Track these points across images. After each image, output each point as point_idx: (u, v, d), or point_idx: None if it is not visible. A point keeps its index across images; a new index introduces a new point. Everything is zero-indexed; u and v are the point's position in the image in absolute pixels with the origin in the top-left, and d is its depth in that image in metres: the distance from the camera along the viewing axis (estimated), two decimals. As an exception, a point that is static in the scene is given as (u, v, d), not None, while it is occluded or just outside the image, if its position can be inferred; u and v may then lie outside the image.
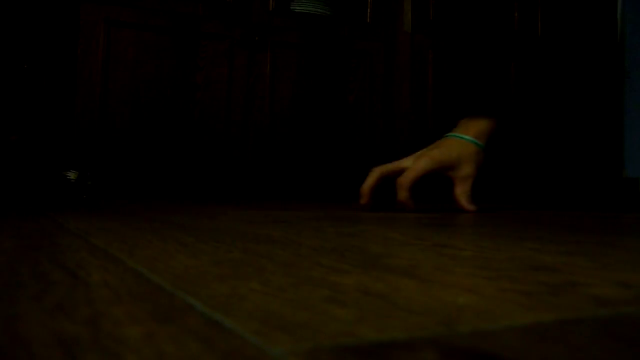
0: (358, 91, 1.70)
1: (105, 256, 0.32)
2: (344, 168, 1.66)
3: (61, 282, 0.24)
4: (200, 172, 1.50)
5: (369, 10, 1.74)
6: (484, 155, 0.90)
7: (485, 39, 1.79)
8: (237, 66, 1.55)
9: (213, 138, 1.52)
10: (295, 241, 0.41)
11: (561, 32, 1.89)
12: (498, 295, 0.22)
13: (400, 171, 0.87)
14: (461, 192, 0.87)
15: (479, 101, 0.94)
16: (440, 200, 0.89)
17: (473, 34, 1.78)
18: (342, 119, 1.68)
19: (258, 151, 1.57)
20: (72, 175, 1.32)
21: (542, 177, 1.80)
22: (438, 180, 0.89)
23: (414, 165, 0.86)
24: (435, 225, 0.61)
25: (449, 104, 1.76)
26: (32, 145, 1.39)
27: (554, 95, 1.86)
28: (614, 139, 1.96)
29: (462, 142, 0.89)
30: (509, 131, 0.98)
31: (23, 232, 0.46)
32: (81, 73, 1.40)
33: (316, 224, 0.59)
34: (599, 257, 0.35)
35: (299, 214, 0.76)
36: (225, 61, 1.54)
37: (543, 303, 0.21)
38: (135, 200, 1.18)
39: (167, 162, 1.47)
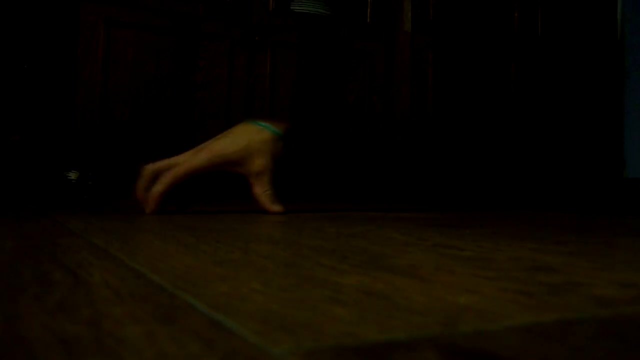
0: (358, 91, 1.70)
1: (106, 256, 0.32)
2: (344, 168, 1.66)
3: (62, 282, 0.24)
4: (200, 172, 1.50)
5: (369, 10, 1.74)
6: (282, 146, 0.77)
7: (485, 39, 1.79)
8: (237, 66, 1.55)
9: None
10: (296, 241, 0.41)
11: (561, 32, 1.89)
12: (499, 296, 0.22)
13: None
14: (261, 192, 0.76)
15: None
16: (242, 198, 0.75)
17: (473, 34, 1.78)
18: (342, 119, 1.68)
19: (258, 151, 1.57)
20: (73, 175, 1.32)
21: (543, 177, 1.79)
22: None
23: (186, 162, 0.75)
24: (436, 226, 0.61)
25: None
26: (33, 146, 1.39)
27: (554, 95, 1.86)
28: (614, 139, 1.96)
29: (254, 127, 0.76)
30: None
31: (24, 232, 0.46)
32: (81, 73, 1.40)
33: (317, 224, 0.59)
34: (599, 258, 0.35)
35: (300, 214, 0.76)
36: (225, 61, 1.54)
37: (543, 303, 0.21)
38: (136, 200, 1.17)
39: (167, 162, 1.47)
